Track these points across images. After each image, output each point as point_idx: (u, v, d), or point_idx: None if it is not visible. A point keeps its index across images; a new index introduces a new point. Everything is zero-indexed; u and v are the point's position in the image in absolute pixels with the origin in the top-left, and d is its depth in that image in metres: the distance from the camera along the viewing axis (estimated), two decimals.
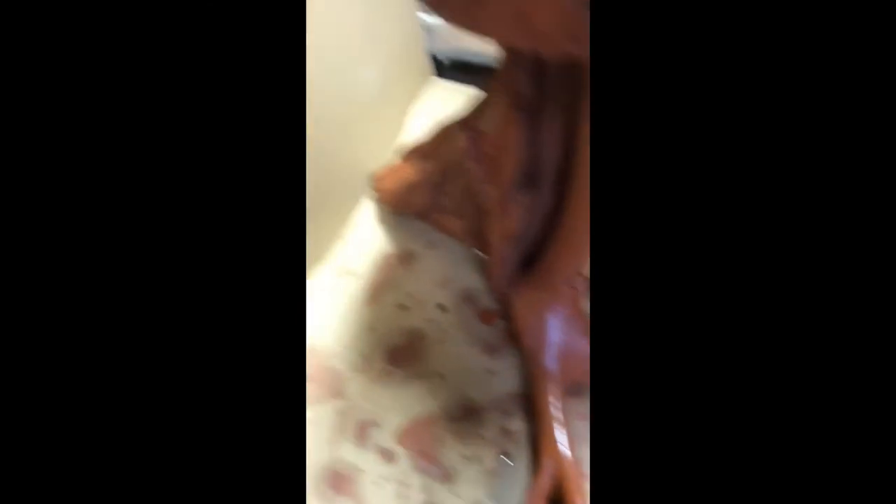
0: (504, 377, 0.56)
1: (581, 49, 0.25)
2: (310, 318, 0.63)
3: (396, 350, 0.60)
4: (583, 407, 0.52)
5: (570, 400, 0.52)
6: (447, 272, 0.66)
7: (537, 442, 0.49)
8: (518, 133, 0.42)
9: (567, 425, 0.48)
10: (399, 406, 0.55)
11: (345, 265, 0.68)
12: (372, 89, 0.70)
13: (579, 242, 0.45)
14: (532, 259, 0.51)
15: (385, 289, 0.65)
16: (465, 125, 0.48)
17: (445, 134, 0.59)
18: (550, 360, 0.50)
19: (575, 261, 0.47)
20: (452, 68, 0.86)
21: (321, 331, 0.62)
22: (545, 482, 0.45)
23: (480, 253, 0.61)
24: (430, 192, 0.62)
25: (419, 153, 0.67)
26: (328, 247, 0.69)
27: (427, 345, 0.60)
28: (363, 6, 0.64)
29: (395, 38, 0.74)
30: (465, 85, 0.83)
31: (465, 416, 0.54)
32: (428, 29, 0.81)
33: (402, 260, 0.68)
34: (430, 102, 0.83)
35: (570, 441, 0.47)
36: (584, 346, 0.50)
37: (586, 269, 0.48)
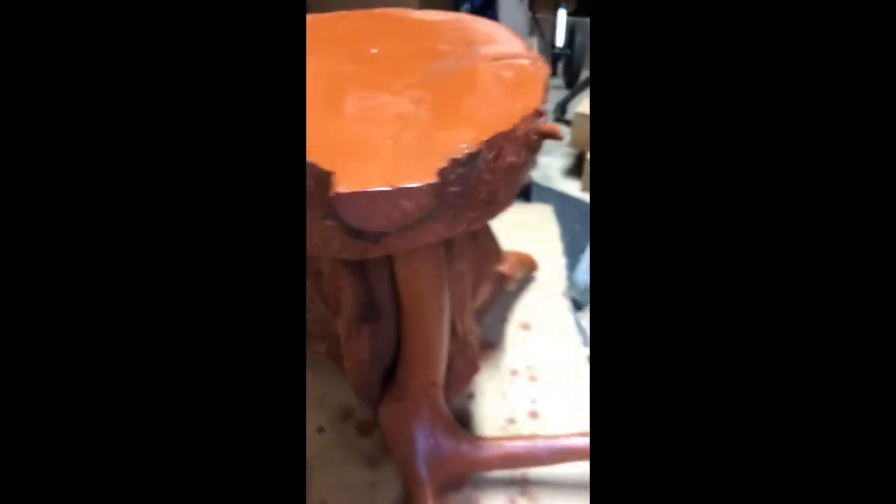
0: (386, 487, 0.58)
1: (355, 252, 0.31)
2: None
3: None
4: (461, 499, 0.56)
5: (448, 495, 0.56)
6: (323, 391, 0.68)
7: None
8: (348, 278, 0.48)
9: None
10: None
11: None
12: None
13: (424, 358, 0.51)
14: (390, 376, 0.56)
15: None
16: (309, 271, 0.53)
17: None
18: (421, 467, 0.53)
19: (424, 373, 0.52)
20: None
21: None
22: None
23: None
24: None
25: None
26: None
27: (310, 473, 0.60)
28: None
29: None
30: None
31: None
32: None
33: None
34: None
35: None
36: (449, 445, 0.55)
37: (438, 377, 0.54)
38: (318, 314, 0.61)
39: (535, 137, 0.33)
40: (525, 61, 0.40)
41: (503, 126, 0.31)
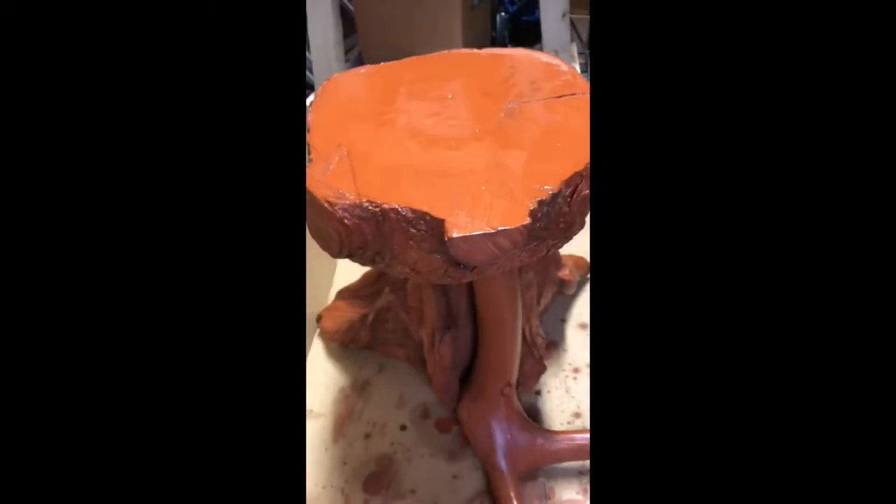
0: (468, 478, 0.65)
1: (455, 278, 0.37)
2: None
3: (371, 478, 0.67)
4: (538, 489, 0.62)
5: (526, 485, 0.61)
6: (402, 392, 0.75)
7: None
8: (431, 293, 0.54)
9: None
10: None
11: (306, 407, 0.75)
12: None
13: (499, 362, 0.57)
14: (468, 376, 0.62)
15: (348, 422, 0.73)
16: (392, 286, 0.60)
17: (375, 282, 0.70)
18: (500, 460, 0.59)
19: (500, 375, 0.58)
20: None
21: None
22: None
23: (427, 373, 0.71)
24: (370, 330, 0.72)
25: (355, 294, 0.78)
26: None
27: (396, 466, 0.67)
28: None
29: None
30: None
31: None
32: None
33: (358, 389, 0.76)
34: None
35: None
36: (524, 439, 0.60)
37: (513, 378, 0.59)
38: (399, 324, 0.68)
39: None
40: (583, 95, 0.45)
41: (578, 165, 0.36)
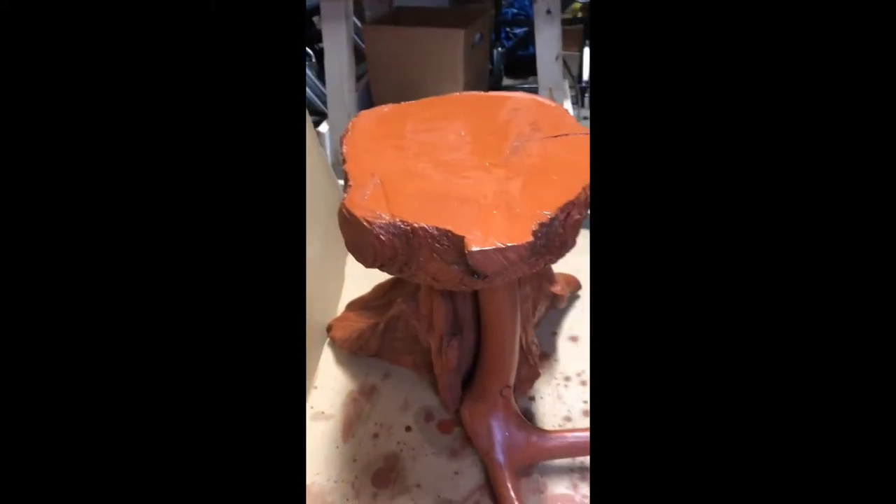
0: (469, 474, 0.71)
1: (469, 286, 0.44)
2: None
3: (379, 474, 0.73)
4: (532, 484, 0.68)
5: (522, 480, 0.68)
6: (406, 397, 0.81)
7: None
8: (441, 302, 0.61)
9: (522, 501, 0.64)
10: None
11: (317, 409, 0.81)
12: (315, 259, 0.88)
13: (500, 365, 0.64)
14: (470, 380, 0.69)
15: (357, 423, 0.79)
16: (405, 297, 0.67)
17: (385, 294, 0.77)
18: (499, 455, 0.66)
19: (500, 377, 0.65)
20: None
21: (310, 474, 0.74)
22: None
23: (430, 380, 0.78)
24: (380, 338, 0.79)
25: (364, 305, 0.85)
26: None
27: (403, 463, 0.73)
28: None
29: (329, 218, 0.94)
30: None
31: None
32: None
33: (366, 394, 0.82)
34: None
35: None
36: (521, 437, 0.67)
37: (511, 381, 0.66)
38: (407, 333, 0.75)
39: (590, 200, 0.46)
40: (580, 135, 0.54)
41: (570, 195, 0.44)
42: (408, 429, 0.78)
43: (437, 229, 0.41)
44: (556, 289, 0.80)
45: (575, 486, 0.69)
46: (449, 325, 0.63)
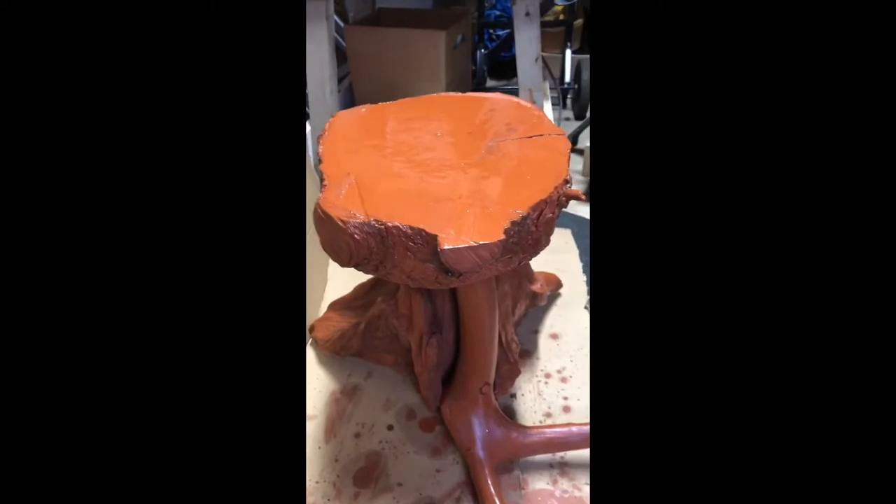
0: (450, 471, 0.71)
1: (444, 284, 0.45)
2: None
3: (361, 473, 0.73)
4: (512, 480, 0.69)
5: (503, 476, 0.69)
6: (388, 396, 0.81)
7: None
8: (420, 300, 0.62)
9: (502, 496, 0.65)
10: None
11: None
12: None
13: (480, 363, 0.65)
14: (450, 378, 0.70)
15: (339, 423, 0.79)
16: (385, 296, 0.67)
17: (366, 294, 0.78)
18: (480, 451, 0.67)
19: (480, 375, 0.66)
20: None
21: None
22: None
23: (411, 378, 0.79)
24: (361, 337, 0.79)
25: (346, 305, 0.85)
26: None
27: (384, 462, 0.74)
28: None
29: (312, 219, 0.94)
30: None
31: None
32: None
33: (348, 394, 0.82)
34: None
35: None
36: (501, 433, 0.68)
37: (490, 378, 0.67)
38: (388, 332, 0.75)
39: (564, 199, 0.47)
40: (555, 135, 0.55)
41: (543, 194, 0.45)
42: (390, 427, 0.78)
43: (411, 228, 0.42)
44: (536, 287, 0.81)
45: (555, 482, 0.70)
46: (428, 323, 0.63)
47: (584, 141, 1.29)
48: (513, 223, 0.42)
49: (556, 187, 0.46)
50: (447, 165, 0.50)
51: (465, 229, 0.41)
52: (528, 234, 0.45)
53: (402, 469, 0.73)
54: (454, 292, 0.62)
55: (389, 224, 0.42)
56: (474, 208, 0.44)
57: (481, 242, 0.40)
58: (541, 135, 0.55)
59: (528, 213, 0.44)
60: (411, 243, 0.42)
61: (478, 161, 0.51)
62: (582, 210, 1.23)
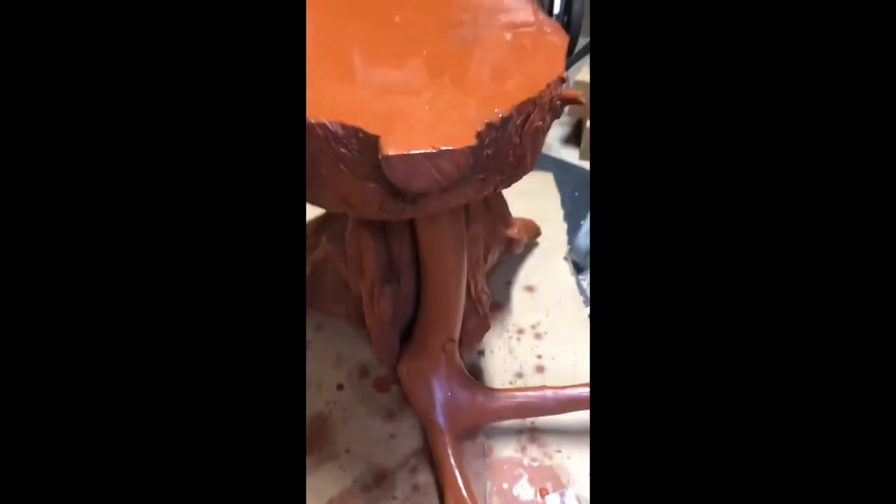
0: (405, 437, 0.63)
1: (393, 213, 0.33)
2: None
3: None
4: (476, 447, 0.61)
5: (464, 443, 0.60)
6: (339, 351, 0.71)
7: (441, 488, 0.56)
8: (371, 241, 0.50)
9: (462, 466, 0.56)
10: (315, 493, 0.59)
11: None
12: None
13: (443, 316, 0.54)
14: (409, 333, 0.59)
15: None
16: (330, 234, 0.55)
17: (313, 234, 0.65)
18: (440, 416, 0.58)
19: (443, 330, 0.56)
20: None
21: None
22: None
23: (365, 332, 0.68)
24: (308, 285, 0.67)
25: None
26: None
27: (332, 425, 0.64)
28: None
29: None
30: None
31: (376, 482, 0.59)
32: None
33: None
34: None
35: (465, 481, 0.55)
36: (465, 397, 0.59)
37: (455, 334, 0.57)
38: (336, 278, 0.63)
39: (558, 103, 0.35)
40: (547, 29, 0.42)
41: (531, 93, 0.33)
42: (339, 387, 0.68)
43: (343, 127, 0.29)
44: (513, 232, 0.70)
45: (523, 449, 0.62)
46: (382, 269, 0.52)
47: (574, 74, 1.15)
48: (489, 125, 0.30)
49: (548, 85, 0.34)
50: (405, 52, 0.37)
51: (421, 130, 0.29)
52: (510, 146, 0.33)
53: (352, 434, 0.63)
54: (413, 230, 0.50)
55: (313, 121, 0.29)
56: (437, 104, 0.31)
57: (443, 148, 0.28)
58: (531, 25, 0.42)
59: (511, 116, 0.31)
60: (343, 150, 0.30)
61: (446, 49, 0.38)
62: (567, 153, 1.12)
